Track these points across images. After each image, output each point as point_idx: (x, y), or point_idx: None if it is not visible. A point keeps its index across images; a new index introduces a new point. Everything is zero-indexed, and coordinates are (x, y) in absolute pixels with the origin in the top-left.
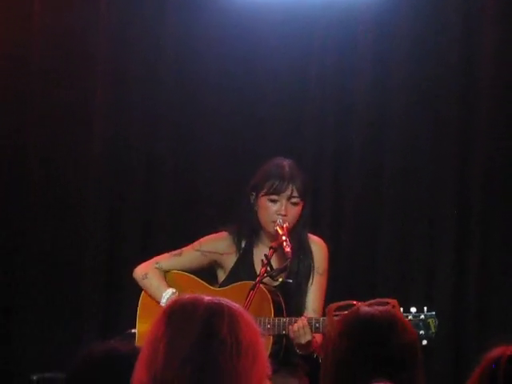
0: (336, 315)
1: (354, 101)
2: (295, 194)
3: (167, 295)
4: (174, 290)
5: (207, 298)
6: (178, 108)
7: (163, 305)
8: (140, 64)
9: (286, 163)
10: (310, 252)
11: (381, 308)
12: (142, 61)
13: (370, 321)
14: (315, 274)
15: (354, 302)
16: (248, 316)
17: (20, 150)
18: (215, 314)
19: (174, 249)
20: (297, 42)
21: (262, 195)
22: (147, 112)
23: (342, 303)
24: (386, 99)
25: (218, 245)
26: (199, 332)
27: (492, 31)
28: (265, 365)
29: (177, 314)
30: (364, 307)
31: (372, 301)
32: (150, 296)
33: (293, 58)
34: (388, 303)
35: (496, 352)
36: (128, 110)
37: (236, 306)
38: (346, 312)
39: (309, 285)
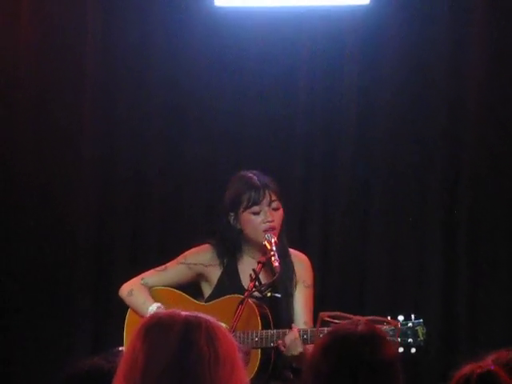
0: (329, 321)
1: (342, 112)
2: (274, 198)
3: (153, 309)
4: (160, 305)
5: (184, 312)
6: (166, 121)
7: None
8: (128, 77)
9: (252, 174)
10: (292, 264)
11: (363, 325)
12: (130, 74)
13: (348, 337)
14: (302, 286)
15: (351, 316)
16: (225, 330)
17: (7, 163)
18: (193, 326)
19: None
20: (284, 51)
21: (243, 211)
22: (135, 125)
23: (334, 313)
24: (374, 108)
25: (202, 257)
26: (177, 344)
27: (480, 43)
28: (243, 378)
29: (155, 327)
30: (347, 323)
31: (370, 317)
32: (136, 312)
33: (280, 66)
34: (388, 322)
35: (465, 370)
36: (115, 124)
37: (213, 319)
38: (338, 322)
39: (294, 295)
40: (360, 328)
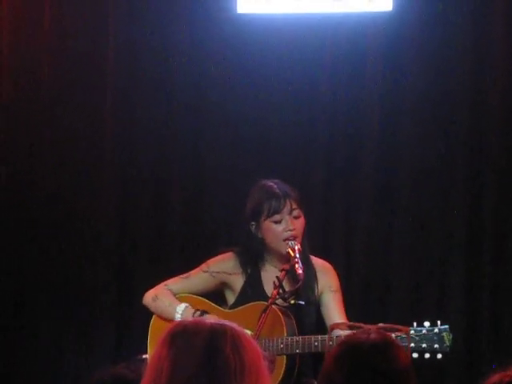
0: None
1: (364, 117)
2: (294, 206)
3: (181, 309)
4: (187, 304)
5: (209, 320)
6: (187, 125)
7: (179, 319)
8: (150, 82)
9: (273, 182)
10: (314, 272)
11: (375, 333)
12: (153, 79)
13: (360, 346)
14: (329, 292)
15: (362, 325)
16: (250, 338)
17: (28, 164)
18: (218, 334)
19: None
20: (306, 57)
21: (264, 220)
22: (156, 129)
23: (349, 323)
24: (397, 113)
25: (225, 265)
26: (203, 351)
27: (501, 45)
28: None
29: (180, 334)
30: (359, 332)
31: (382, 325)
32: (162, 316)
33: (302, 72)
34: (399, 330)
35: (494, 379)
36: (138, 127)
37: (238, 327)
38: (353, 332)
39: (324, 303)
40: (372, 337)
